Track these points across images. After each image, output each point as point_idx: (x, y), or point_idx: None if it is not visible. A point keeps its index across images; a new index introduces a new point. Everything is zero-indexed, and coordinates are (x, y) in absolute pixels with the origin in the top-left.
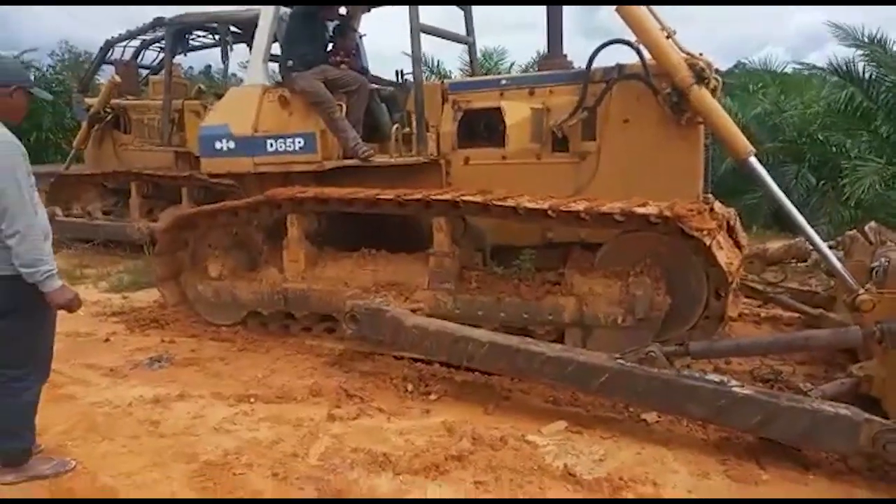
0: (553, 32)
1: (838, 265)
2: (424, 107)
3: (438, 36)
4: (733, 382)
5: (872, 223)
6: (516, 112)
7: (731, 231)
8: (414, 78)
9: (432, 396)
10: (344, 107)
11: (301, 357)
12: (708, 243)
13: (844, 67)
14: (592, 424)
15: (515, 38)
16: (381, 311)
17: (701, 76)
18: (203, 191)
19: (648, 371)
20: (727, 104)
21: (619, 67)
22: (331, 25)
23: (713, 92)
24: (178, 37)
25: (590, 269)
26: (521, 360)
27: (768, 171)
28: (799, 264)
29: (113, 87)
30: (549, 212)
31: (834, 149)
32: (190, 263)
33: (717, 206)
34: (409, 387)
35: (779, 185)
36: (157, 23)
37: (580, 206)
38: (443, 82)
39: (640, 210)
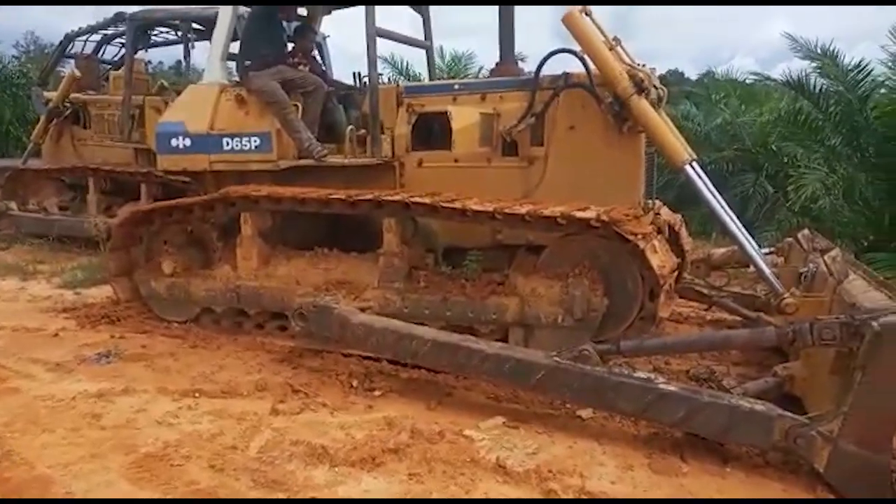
0: (504, 38)
1: (766, 270)
2: (379, 109)
3: (396, 40)
4: (660, 379)
5: (805, 231)
6: (463, 117)
7: (675, 236)
8: (369, 81)
9: (377, 392)
10: (300, 107)
11: (251, 354)
12: (642, 247)
13: (797, 80)
14: (529, 420)
15: (484, 41)
16: (329, 309)
17: (640, 87)
18: (161, 187)
19: (582, 368)
20: (692, 113)
21: (566, 76)
22: (290, 26)
23: (658, 102)
24: (140, 32)
25: (533, 270)
26: (462, 358)
27: (728, 178)
28: (743, 269)
29: (72, 82)
30: (496, 214)
31: (786, 159)
32: (144, 260)
33: (664, 211)
34: (355, 383)
35: (739, 192)
36: (119, 17)
37: (524, 209)
38: (398, 86)
39: (580, 214)
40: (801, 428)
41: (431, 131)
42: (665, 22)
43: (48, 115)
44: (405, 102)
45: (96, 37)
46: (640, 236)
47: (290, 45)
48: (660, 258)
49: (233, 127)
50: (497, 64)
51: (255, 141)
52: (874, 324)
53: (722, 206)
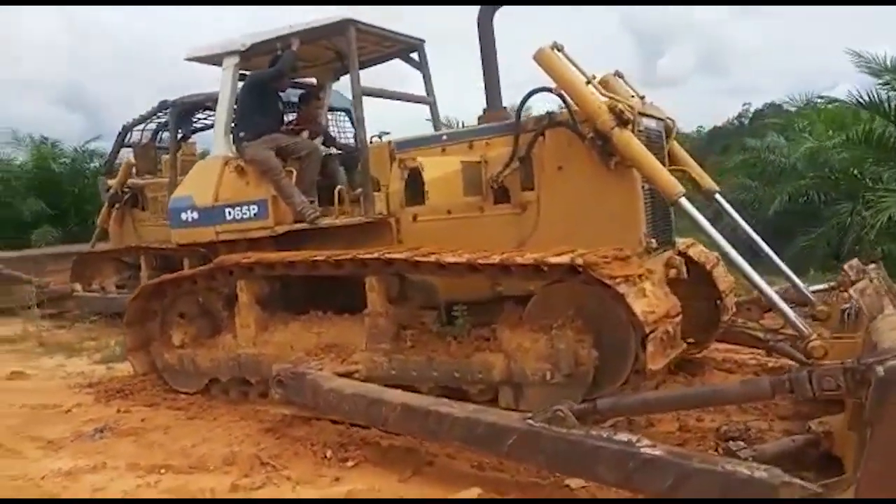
0: (490, 85)
1: (786, 310)
2: (371, 167)
3: (397, 99)
4: (644, 442)
5: (854, 260)
6: (438, 167)
7: (707, 275)
8: (357, 140)
9: (349, 463)
10: (294, 173)
11: (242, 424)
12: (621, 291)
13: (867, 98)
14: (510, 491)
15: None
16: (302, 375)
17: (622, 119)
18: (203, 261)
19: (556, 432)
20: (779, 143)
21: (549, 115)
22: (291, 95)
23: (666, 134)
24: (182, 117)
25: (518, 323)
26: (432, 423)
27: (823, 209)
28: (803, 308)
29: (128, 168)
30: (468, 265)
31: (869, 181)
32: (159, 332)
33: (696, 250)
34: (329, 453)
35: (835, 223)
36: (162, 106)
37: (496, 258)
38: (390, 143)
39: (553, 259)
40: (812, 499)
41: (423, 185)
42: (757, 54)
43: (110, 201)
44: (397, 158)
45: (153, 125)
46: (619, 280)
47: (292, 113)
48: (647, 303)
49: (234, 197)
50: (484, 110)
51: (253, 209)
52: (879, 369)
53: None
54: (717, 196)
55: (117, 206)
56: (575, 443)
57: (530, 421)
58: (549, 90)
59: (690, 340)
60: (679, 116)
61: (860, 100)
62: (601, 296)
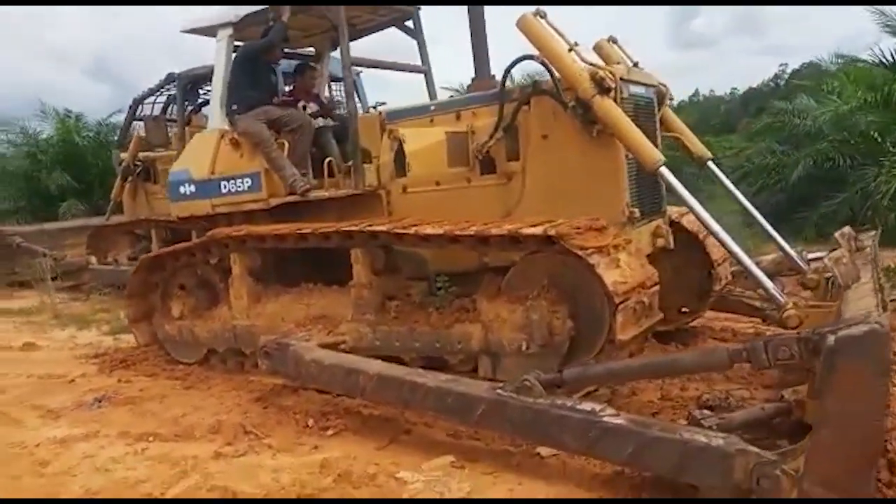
0: (478, 53)
1: (762, 277)
2: (362, 138)
3: (390, 69)
4: (608, 411)
5: (846, 228)
6: (420, 138)
7: (700, 245)
8: (348, 110)
9: (329, 432)
10: (287, 145)
11: (234, 394)
12: (592, 262)
13: (891, 58)
14: (482, 458)
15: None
16: (286, 346)
17: (603, 86)
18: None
19: (523, 401)
20: (809, 106)
21: (534, 84)
22: (290, 65)
23: (659, 101)
24: (188, 89)
25: (497, 294)
26: (406, 392)
27: (850, 172)
28: (798, 276)
29: (139, 141)
30: (446, 236)
31: (890, 146)
32: (160, 304)
33: (688, 219)
34: (311, 422)
35: (858, 189)
36: (170, 78)
37: (473, 229)
38: (381, 113)
39: (526, 231)
40: (766, 466)
41: None
42: (796, 16)
43: (122, 174)
44: (388, 129)
45: (164, 98)
46: (591, 250)
47: (285, 86)
48: (620, 273)
49: (229, 170)
50: (472, 80)
51: (247, 182)
52: (830, 338)
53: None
54: (710, 164)
55: (130, 179)
56: (540, 412)
57: (499, 391)
58: (533, 58)
59: (685, 309)
60: (713, 78)
61: (883, 60)
62: (575, 266)
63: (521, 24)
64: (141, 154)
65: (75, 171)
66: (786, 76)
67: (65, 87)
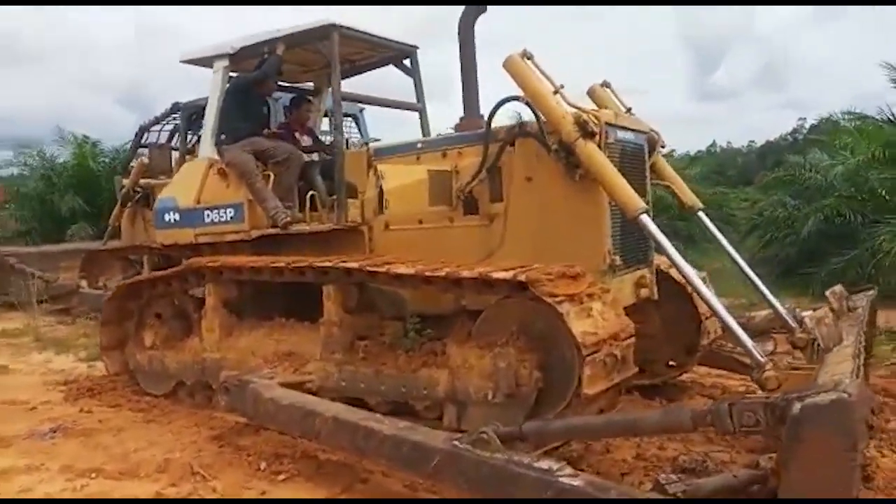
0: (468, 92)
1: (744, 337)
2: (349, 174)
3: (387, 106)
4: (566, 470)
5: (838, 287)
6: (401, 175)
7: (689, 297)
8: (335, 146)
9: (281, 476)
10: (272, 177)
11: (194, 430)
12: (561, 311)
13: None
14: None
15: None
16: (246, 383)
17: (586, 130)
18: None
19: (479, 455)
20: (822, 160)
21: (520, 125)
22: (285, 100)
23: (650, 148)
24: (192, 119)
25: (467, 339)
26: (360, 439)
27: (861, 230)
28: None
29: (141, 168)
30: (418, 277)
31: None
32: (134, 332)
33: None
34: (263, 465)
35: (868, 248)
36: (175, 108)
37: (443, 271)
38: (368, 149)
39: (496, 275)
40: None
41: None
42: (818, 69)
43: (122, 200)
44: (374, 165)
45: (170, 126)
46: (562, 298)
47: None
48: (592, 324)
49: (214, 200)
50: (461, 119)
51: (230, 212)
52: (796, 406)
53: (686, 259)
54: (700, 214)
55: (129, 204)
56: (496, 467)
57: (456, 442)
58: (518, 99)
59: (672, 363)
60: (732, 130)
61: (890, 117)
62: (545, 314)
63: (508, 65)
64: (142, 181)
65: (88, 195)
66: (804, 130)
67: (96, 115)
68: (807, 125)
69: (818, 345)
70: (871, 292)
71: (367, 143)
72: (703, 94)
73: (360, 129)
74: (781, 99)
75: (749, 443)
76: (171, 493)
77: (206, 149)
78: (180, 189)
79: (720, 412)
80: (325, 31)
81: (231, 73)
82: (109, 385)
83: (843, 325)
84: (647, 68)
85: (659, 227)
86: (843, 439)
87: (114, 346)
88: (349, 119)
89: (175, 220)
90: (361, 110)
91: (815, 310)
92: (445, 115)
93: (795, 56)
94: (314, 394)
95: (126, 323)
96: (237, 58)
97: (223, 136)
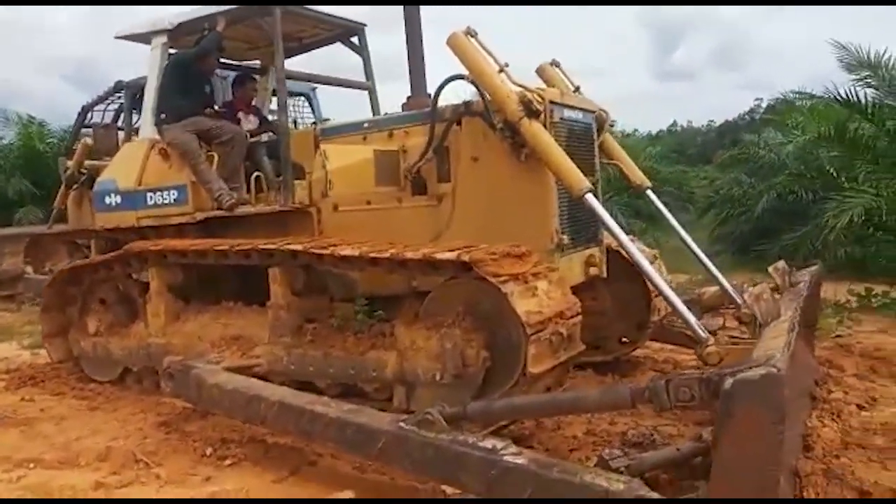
0: (415, 71)
1: (686, 314)
2: (296, 154)
3: (334, 84)
4: (511, 449)
5: (780, 262)
6: (345, 156)
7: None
8: (279, 125)
9: (227, 461)
10: (216, 157)
11: (140, 416)
12: (504, 290)
13: (844, 94)
14: (386, 493)
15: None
16: (189, 368)
17: (531, 109)
18: None
19: (424, 436)
20: (777, 139)
21: (466, 104)
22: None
23: (599, 126)
24: (136, 98)
25: (415, 320)
26: (305, 423)
27: (811, 206)
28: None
29: (85, 150)
30: (362, 258)
31: (844, 181)
32: (77, 319)
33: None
34: (209, 450)
35: (817, 224)
36: (118, 86)
37: (388, 252)
38: (315, 129)
39: (439, 255)
40: None
41: None
42: (776, 50)
43: (67, 182)
44: (321, 146)
45: (115, 106)
46: (505, 278)
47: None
48: (536, 303)
49: (156, 182)
50: (408, 98)
51: (173, 194)
52: (728, 380)
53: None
54: (649, 192)
55: (75, 187)
56: (441, 448)
57: (401, 424)
58: (465, 77)
59: (624, 339)
60: (692, 110)
61: (837, 96)
62: (490, 294)
63: (451, 43)
64: (87, 162)
65: (35, 177)
66: (761, 110)
67: (43, 94)
68: (763, 105)
69: (758, 321)
70: (814, 268)
71: (315, 123)
72: (663, 74)
73: (313, 109)
74: (740, 79)
75: (696, 416)
76: (112, 481)
77: (147, 129)
78: (120, 170)
79: (657, 389)
80: (267, 8)
81: (171, 50)
82: (53, 373)
83: (783, 300)
84: (608, 47)
85: (620, 205)
86: (772, 413)
87: (56, 333)
88: (302, 98)
89: (116, 202)
90: (314, 89)
91: (752, 285)
92: (403, 94)
93: (754, 37)
94: (263, 378)
95: (69, 309)
96: (176, 33)
97: (163, 116)
